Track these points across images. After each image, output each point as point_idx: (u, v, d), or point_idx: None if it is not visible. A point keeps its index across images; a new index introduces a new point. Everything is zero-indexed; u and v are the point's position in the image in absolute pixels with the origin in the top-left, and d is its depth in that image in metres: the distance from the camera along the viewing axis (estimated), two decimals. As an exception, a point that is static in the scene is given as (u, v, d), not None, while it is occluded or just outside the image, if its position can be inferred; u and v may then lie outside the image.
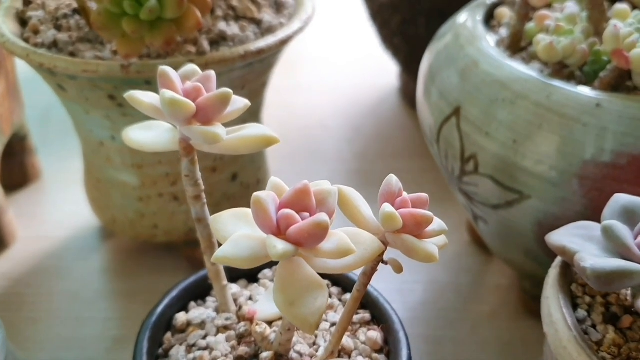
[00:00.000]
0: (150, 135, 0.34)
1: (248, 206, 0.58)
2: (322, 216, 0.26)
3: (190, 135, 0.32)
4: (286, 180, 0.70)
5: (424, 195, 0.31)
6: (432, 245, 0.29)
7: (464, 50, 0.48)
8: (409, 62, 0.77)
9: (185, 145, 0.33)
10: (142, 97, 0.32)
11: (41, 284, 0.57)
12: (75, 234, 0.63)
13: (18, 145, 0.65)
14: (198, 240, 0.55)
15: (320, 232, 0.26)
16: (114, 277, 0.58)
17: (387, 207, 0.29)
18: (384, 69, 0.92)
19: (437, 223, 0.30)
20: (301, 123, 0.82)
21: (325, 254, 0.26)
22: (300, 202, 0.27)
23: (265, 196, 0.26)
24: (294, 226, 0.26)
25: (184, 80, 0.33)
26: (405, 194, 0.31)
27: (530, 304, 0.54)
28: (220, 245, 0.28)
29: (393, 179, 0.30)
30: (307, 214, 0.27)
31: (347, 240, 0.26)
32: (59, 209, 0.66)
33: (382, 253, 0.30)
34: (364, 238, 0.28)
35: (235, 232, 0.28)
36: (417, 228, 0.29)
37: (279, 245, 0.25)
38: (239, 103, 0.33)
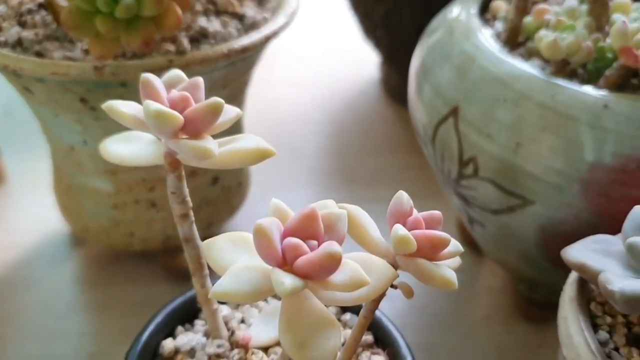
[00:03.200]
0: (131, 148, 0.31)
1: (229, 211, 0.55)
2: (334, 246, 0.23)
3: (177, 149, 0.29)
4: (267, 181, 0.67)
5: (437, 213, 0.28)
6: (449, 270, 0.27)
7: (459, 45, 0.45)
8: (392, 54, 0.75)
9: (171, 159, 0.30)
10: (122, 108, 0.29)
11: (9, 296, 0.54)
12: (44, 241, 0.59)
13: (-21, 147, 0.61)
14: (176, 249, 0.52)
15: (332, 264, 0.23)
16: (88, 288, 0.55)
17: (399, 230, 0.26)
18: (364, 60, 0.89)
19: (453, 244, 0.28)
20: (280, 117, 0.79)
21: (337, 286, 0.24)
22: (307, 229, 0.24)
23: (268, 224, 0.23)
24: (301, 257, 0.23)
25: (169, 88, 0.30)
26: (415, 212, 0.28)
27: (524, 306, 0.53)
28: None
29: (404, 197, 0.28)
30: (315, 242, 0.24)
31: (360, 271, 0.24)
32: (26, 213, 0.62)
33: (392, 277, 0.27)
34: (376, 265, 0.26)
35: (233, 261, 0.25)
36: (432, 251, 0.27)
37: (287, 281, 0.22)
38: (231, 113, 0.30)
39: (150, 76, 0.28)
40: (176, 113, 0.27)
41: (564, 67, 0.41)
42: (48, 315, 0.52)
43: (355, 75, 0.88)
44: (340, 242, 0.24)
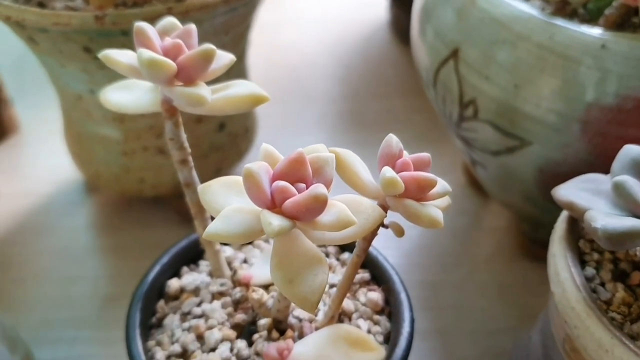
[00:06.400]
0: (130, 96, 0.32)
1: (238, 156, 0.56)
2: (320, 188, 0.24)
3: (172, 96, 0.30)
4: (277, 125, 0.68)
5: (426, 155, 0.29)
6: (435, 209, 0.28)
7: (460, -14, 0.45)
8: (399, -5, 0.74)
9: (167, 106, 0.31)
10: (118, 57, 0.29)
11: (27, 242, 0.56)
12: (59, 188, 0.61)
13: (-8, 97, 0.62)
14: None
15: (318, 205, 0.24)
16: (102, 233, 0.57)
17: (387, 172, 0.27)
18: (373, 1, 0.88)
19: (441, 185, 0.28)
20: (288, 61, 0.79)
21: (324, 226, 0.25)
22: (295, 172, 0.25)
23: (257, 168, 0.24)
24: (289, 200, 0.24)
25: (163, 35, 0.30)
26: (406, 154, 0.29)
27: (528, 246, 0.54)
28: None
29: (393, 140, 0.28)
30: (303, 185, 0.25)
31: (347, 212, 0.25)
32: (41, 162, 0.64)
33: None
34: (364, 206, 0.27)
35: (227, 204, 0.26)
36: (419, 192, 0.27)
37: (275, 222, 0.23)
38: (224, 59, 0.31)
39: (143, 24, 0.29)
40: (169, 60, 0.28)
41: (564, 7, 0.41)
42: (64, 259, 0.54)
43: (364, 17, 0.88)
44: (328, 185, 0.25)
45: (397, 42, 0.82)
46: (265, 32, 0.79)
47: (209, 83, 0.30)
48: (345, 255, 0.37)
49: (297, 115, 0.70)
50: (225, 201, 0.27)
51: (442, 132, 0.58)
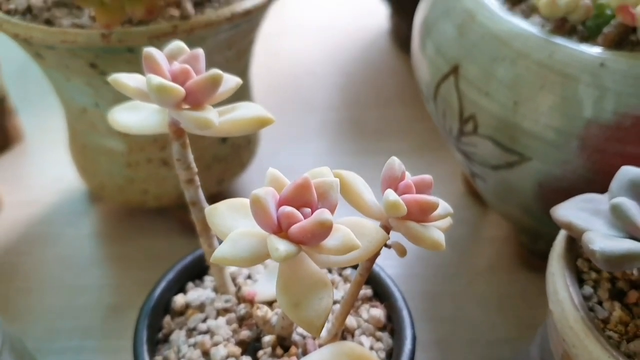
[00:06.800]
0: (137, 117, 0.32)
1: (240, 167, 0.57)
2: (325, 214, 0.24)
3: (180, 119, 0.30)
4: (277, 134, 0.68)
5: (428, 177, 0.29)
6: (437, 231, 0.28)
7: (460, 1, 0.46)
8: (400, 3, 0.74)
9: (175, 128, 0.31)
10: (127, 81, 0.30)
11: (32, 251, 0.56)
12: (63, 198, 0.61)
13: (-3, 107, 0.63)
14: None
15: (323, 231, 0.24)
16: (106, 242, 0.57)
17: (390, 195, 0.27)
18: (373, 11, 0.88)
19: (443, 207, 0.29)
20: (289, 71, 0.80)
21: (329, 250, 0.25)
22: (300, 197, 0.25)
23: (264, 194, 0.25)
24: (295, 225, 0.25)
25: (170, 59, 0.31)
26: (408, 175, 0.30)
27: (526, 256, 0.54)
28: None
29: (395, 162, 0.29)
30: (309, 210, 0.26)
31: (352, 236, 0.25)
32: (45, 171, 0.64)
33: (385, 238, 0.29)
34: (367, 229, 0.27)
35: (234, 227, 0.27)
36: (421, 214, 0.28)
37: (281, 247, 0.24)
38: (230, 82, 0.31)
39: (152, 50, 0.30)
40: (177, 86, 0.29)
41: (563, 25, 0.41)
42: (68, 268, 0.55)
43: (365, 26, 0.88)
44: (333, 209, 0.26)
45: (398, 51, 0.82)
46: (266, 41, 0.79)
47: (216, 105, 0.31)
48: (348, 271, 0.38)
49: (298, 124, 0.71)
50: (232, 224, 0.27)
51: (443, 140, 0.58)
